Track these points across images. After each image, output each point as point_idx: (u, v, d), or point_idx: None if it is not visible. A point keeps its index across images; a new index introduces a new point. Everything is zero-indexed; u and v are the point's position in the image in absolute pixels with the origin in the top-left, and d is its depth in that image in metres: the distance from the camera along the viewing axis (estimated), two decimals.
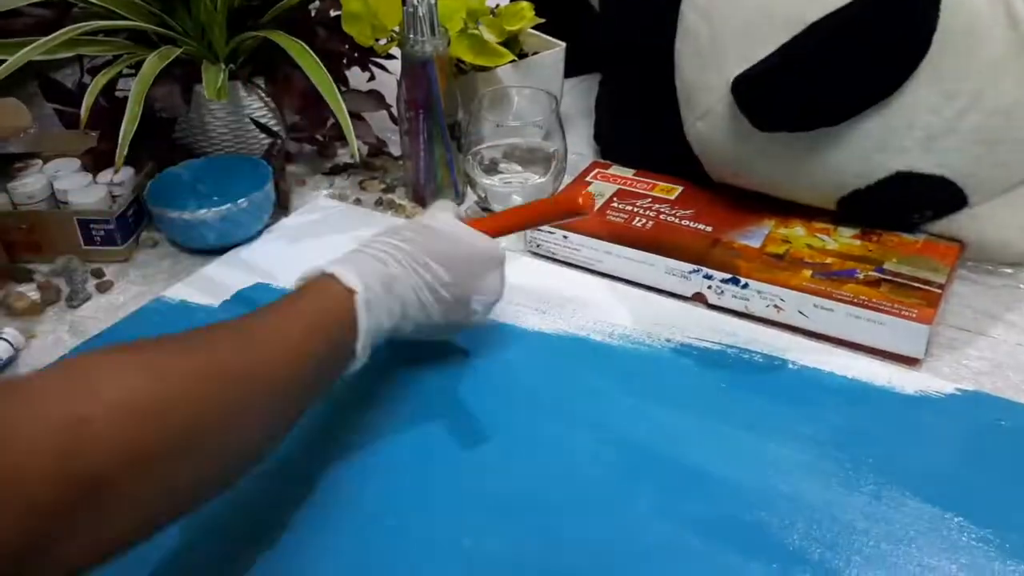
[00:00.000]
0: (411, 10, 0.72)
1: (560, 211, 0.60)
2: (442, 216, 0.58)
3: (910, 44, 0.57)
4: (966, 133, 0.60)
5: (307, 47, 0.71)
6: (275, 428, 0.44)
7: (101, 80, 0.67)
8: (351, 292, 0.49)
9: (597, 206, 0.74)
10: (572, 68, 0.90)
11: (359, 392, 0.59)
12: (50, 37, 0.66)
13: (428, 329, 0.55)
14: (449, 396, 0.59)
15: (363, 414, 0.58)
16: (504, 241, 0.75)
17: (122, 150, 0.65)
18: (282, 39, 0.72)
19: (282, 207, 0.81)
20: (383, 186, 0.85)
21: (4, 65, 0.64)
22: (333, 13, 0.82)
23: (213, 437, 0.38)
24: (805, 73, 0.59)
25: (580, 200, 0.56)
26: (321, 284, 0.49)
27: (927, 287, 0.62)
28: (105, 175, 0.78)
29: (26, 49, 0.65)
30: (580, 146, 0.89)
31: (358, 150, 0.71)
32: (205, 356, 0.40)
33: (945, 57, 0.58)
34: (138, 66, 0.71)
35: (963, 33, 0.57)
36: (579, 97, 0.99)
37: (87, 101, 0.66)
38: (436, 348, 0.62)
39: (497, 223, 0.60)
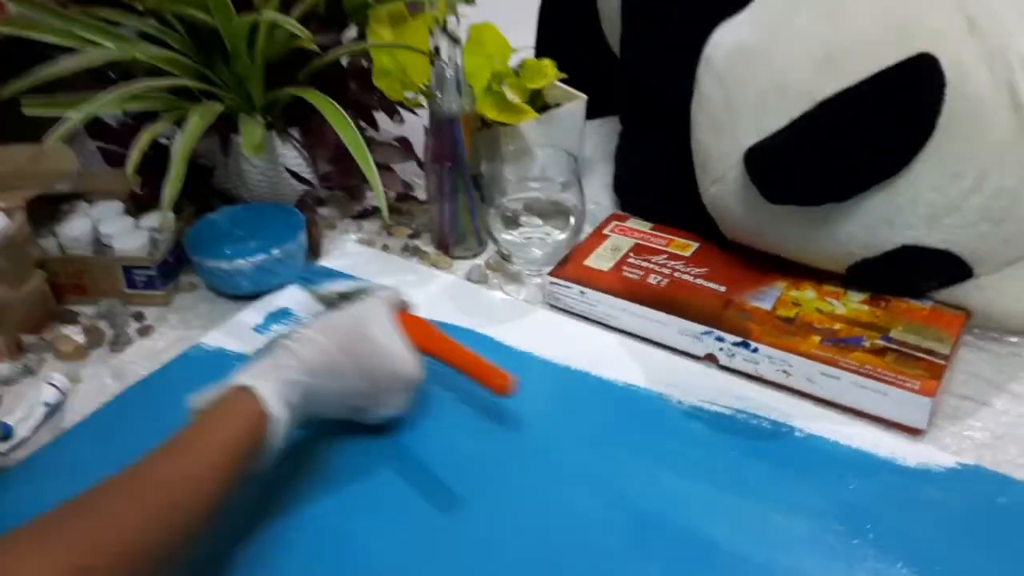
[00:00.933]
0: (439, 71, 0.75)
1: (484, 379, 0.61)
2: (373, 310, 0.60)
3: (915, 126, 0.59)
4: (971, 212, 0.61)
5: (338, 106, 0.74)
6: (180, 550, 0.46)
7: (147, 136, 0.71)
8: (264, 416, 0.52)
9: (615, 261, 0.77)
10: (593, 110, 0.93)
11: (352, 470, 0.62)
12: (107, 97, 0.70)
13: (328, 416, 0.60)
14: (455, 448, 0.62)
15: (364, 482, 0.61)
16: (524, 293, 0.79)
17: (166, 211, 0.68)
18: (315, 98, 0.75)
19: (313, 253, 0.84)
20: (409, 231, 0.89)
21: (66, 126, 0.68)
22: (365, 64, 0.85)
23: None
24: (814, 150, 0.61)
25: (507, 385, 0.60)
26: (233, 403, 0.52)
27: (932, 358, 0.64)
28: (147, 219, 0.82)
29: (84, 111, 0.69)
30: (599, 194, 0.91)
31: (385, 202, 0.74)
32: (112, 541, 0.43)
33: (950, 139, 0.59)
34: (180, 120, 0.75)
35: (968, 116, 0.59)
36: (600, 140, 1.01)
37: (134, 158, 0.70)
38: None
39: (431, 342, 0.62)
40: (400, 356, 0.59)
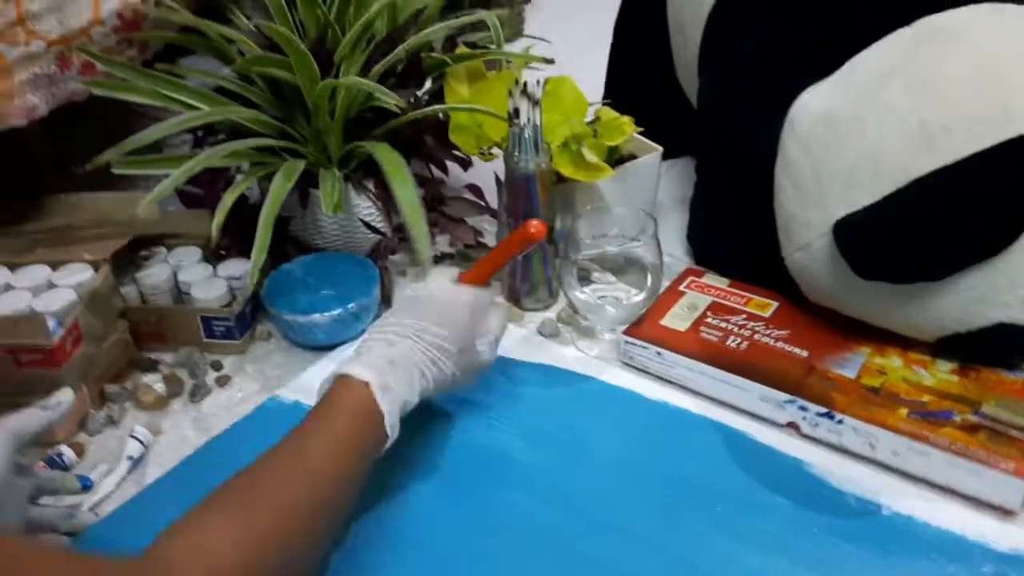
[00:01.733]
0: (516, 131, 0.75)
1: (518, 245, 0.68)
2: (434, 283, 0.67)
3: (1015, 210, 0.58)
4: None
5: (404, 164, 0.75)
6: (340, 522, 0.54)
7: (231, 196, 0.72)
8: (366, 384, 0.56)
9: (692, 320, 0.76)
10: (665, 153, 0.92)
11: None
12: (201, 157, 0.72)
13: (447, 382, 0.63)
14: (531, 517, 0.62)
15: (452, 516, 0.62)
16: (596, 349, 0.79)
17: (253, 278, 0.69)
18: (384, 154, 0.75)
19: (385, 302, 0.85)
20: None
21: (161, 190, 0.69)
22: (442, 117, 0.85)
23: (299, 559, 0.49)
24: (909, 229, 0.60)
25: (532, 231, 0.66)
26: (339, 387, 0.57)
27: None
28: (225, 267, 0.83)
29: (181, 171, 0.70)
30: (672, 243, 0.90)
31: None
32: (276, 502, 0.49)
33: None
34: (261, 177, 0.76)
35: None
36: (673, 183, 1.01)
37: (219, 218, 0.71)
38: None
39: (480, 271, 0.69)
40: (455, 292, 0.66)
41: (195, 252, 0.86)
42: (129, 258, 0.84)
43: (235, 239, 0.83)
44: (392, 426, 0.57)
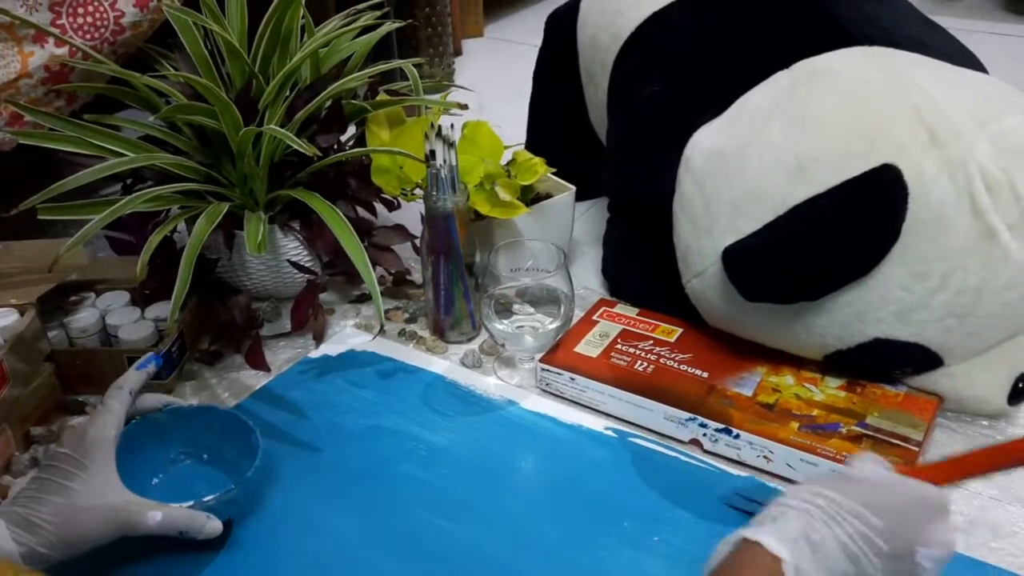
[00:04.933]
0: (434, 171, 0.79)
1: (1012, 457, 0.53)
2: (869, 467, 0.54)
3: (880, 233, 0.63)
4: (938, 308, 0.65)
5: (337, 210, 0.78)
6: None
7: (156, 238, 0.75)
8: (777, 560, 0.46)
9: (603, 347, 0.80)
10: (582, 193, 0.97)
11: None
12: (124, 202, 0.75)
13: None
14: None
15: None
16: (515, 378, 0.82)
17: (173, 315, 0.72)
18: (314, 201, 0.79)
19: (316, 340, 0.87)
20: (406, 316, 0.92)
21: (85, 233, 0.72)
22: (364, 161, 0.89)
23: None
24: (786, 252, 0.65)
25: None
26: (746, 555, 0.48)
27: (906, 444, 0.67)
28: (153, 310, 0.85)
29: (103, 215, 0.73)
30: (588, 277, 0.95)
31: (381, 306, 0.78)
32: None
33: (916, 243, 0.64)
34: (189, 219, 0.79)
35: (931, 222, 0.63)
36: (591, 221, 1.06)
37: (143, 259, 0.73)
38: None
39: (944, 470, 0.54)
40: (902, 482, 0.52)
41: (124, 296, 0.87)
42: (57, 303, 0.86)
43: (163, 281, 0.85)
44: None
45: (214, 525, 0.61)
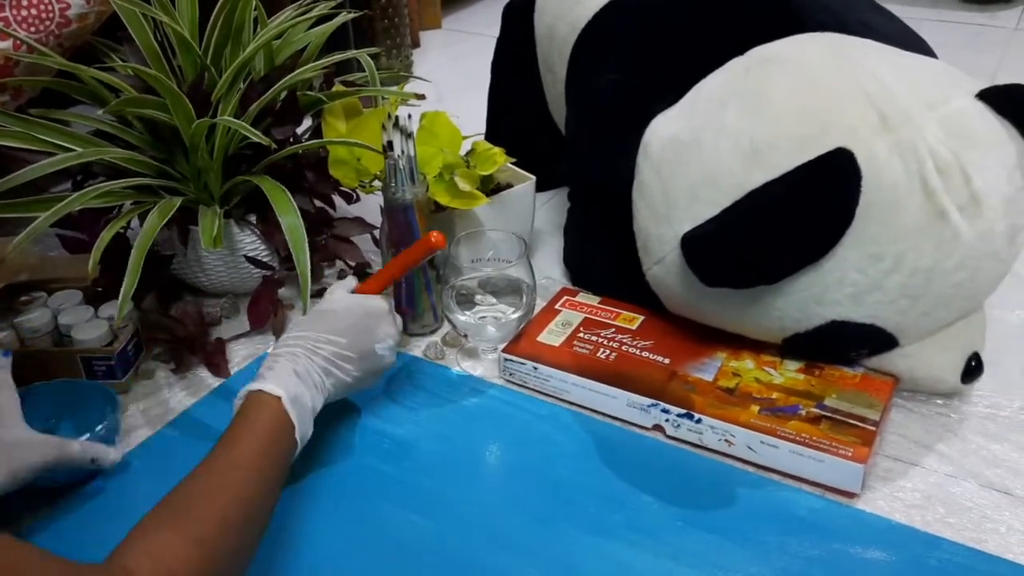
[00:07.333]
0: (392, 163, 0.79)
1: (419, 255, 0.74)
2: (334, 296, 0.73)
3: (834, 216, 0.64)
4: (891, 289, 0.66)
5: (288, 193, 0.77)
6: (266, 523, 0.58)
7: (108, 234, 0.73)
8: (278, 399, 0.61)
9: (566, 336, 0.80)
10: (543, 183, 0.97)
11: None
12: (72, 198, 0.73)
13: (351, 385, 0.70)
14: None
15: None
16: (480, 370, 0.82)
17: (122, 310, 0.70)
18: (267, 185, 0.78)
19: (276, 336, 0.86)
20: None
21: (33, 229, 0.70)
22: (322, 153, 0.88)
23: (241, 558, 0.54)
24: (743, 237, 0.66)
25: (432, 240, 0.72)
26: (254, 402, 0.62)
27: (863, 424, 0.68)
28: (107, 309, 0.83)
29: (50, 212, 0.71)
30: (551, 267, 0.95)
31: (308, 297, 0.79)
32: (216, 507, 0.53)
33: (869, 225, 0.65)
34: (141, 215, 0.77)
35: (884, 204, 0.64)
36: (551, 212, 1.06)
37: (95, 256, 0.72)
38: None
39: (378, 282, 0.75)
40: (353, 303, 0.71)
41: (76, 295, 0.85)
42: (7, 303, 0.83)
43: (116, 280, 0.83)
44: (303, 436, 0.63)
45: (114, 454, 0.70)
